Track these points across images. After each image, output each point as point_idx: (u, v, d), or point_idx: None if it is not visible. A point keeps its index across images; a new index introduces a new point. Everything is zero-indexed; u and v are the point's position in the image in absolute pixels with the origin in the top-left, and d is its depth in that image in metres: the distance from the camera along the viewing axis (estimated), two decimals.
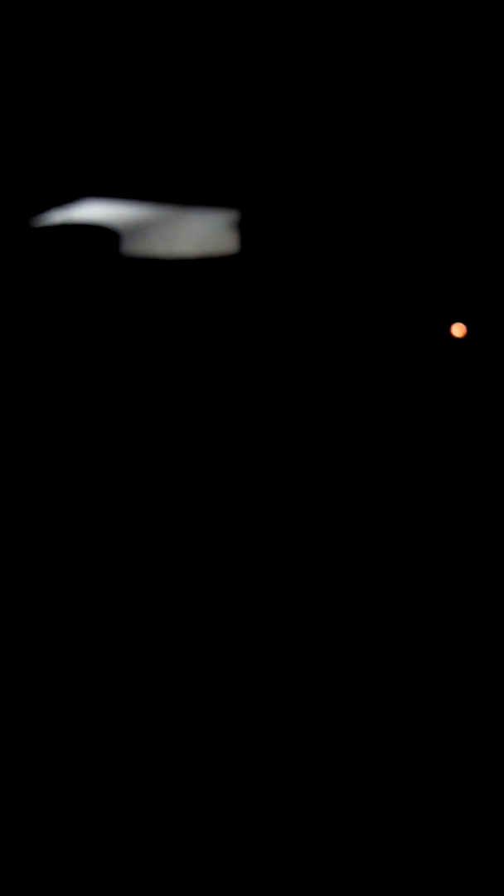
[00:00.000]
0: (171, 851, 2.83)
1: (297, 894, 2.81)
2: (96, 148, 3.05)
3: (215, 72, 3.06)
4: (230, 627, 2.98)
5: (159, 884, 2.79)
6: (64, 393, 3.02)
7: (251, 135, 3.10)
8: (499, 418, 3.14)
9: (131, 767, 2.89)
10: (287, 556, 3.04)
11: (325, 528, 3.06)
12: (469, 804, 2.91)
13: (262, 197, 3.11)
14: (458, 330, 3.06)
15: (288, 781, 2.91)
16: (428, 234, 3.21)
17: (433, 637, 3.03)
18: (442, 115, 3.19)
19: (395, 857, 2.85)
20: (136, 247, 3.08)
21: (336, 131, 3.13)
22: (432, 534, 3.10)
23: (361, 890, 2.82)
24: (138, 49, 3.06)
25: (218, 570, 3.01)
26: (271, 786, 2.90)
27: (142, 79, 3.05)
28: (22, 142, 3.03)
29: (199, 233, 3.06)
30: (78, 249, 3.04)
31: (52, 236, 3.03)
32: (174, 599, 2.98)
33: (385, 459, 3.12)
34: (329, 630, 3.01)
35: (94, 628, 2.94)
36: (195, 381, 3.06)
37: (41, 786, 2.84)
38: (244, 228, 3.08)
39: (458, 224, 3.22)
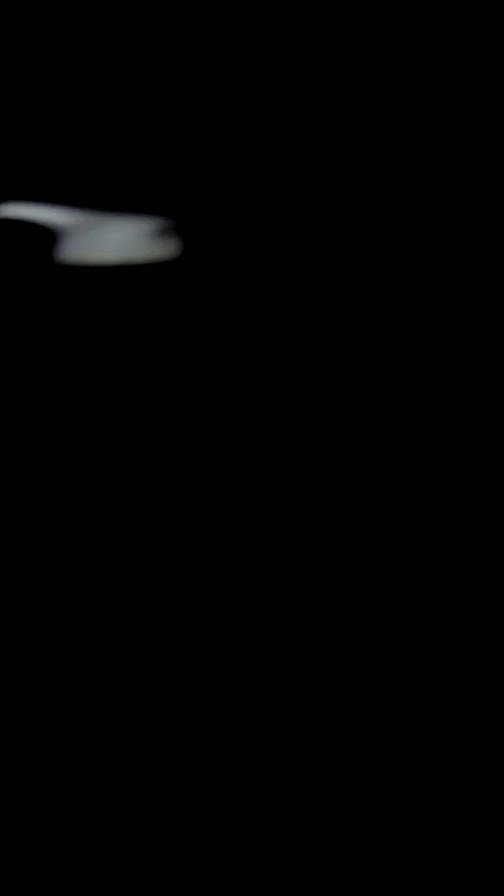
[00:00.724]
0: (170, 850, 2.86)
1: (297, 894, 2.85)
2: (15, 148, 3.01)
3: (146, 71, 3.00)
4: (230, 625, 3.00)
5: (159, 883, 2.83)
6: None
7: (181, 140, 3.05)
8: None
9: (131, 765, 2.92)
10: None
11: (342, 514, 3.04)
12: (469, 802, 2.93)
13: (194, 204, 3.08)
14: None
15: (287, 778, 2.94)
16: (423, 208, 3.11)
17: (433, 633, 3.04)
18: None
19: (395, 856, 2.88)
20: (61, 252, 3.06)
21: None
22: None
23: (361, 890, 2.86)
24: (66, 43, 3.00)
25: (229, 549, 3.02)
26: (271, 783, 2.93)
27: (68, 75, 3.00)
28: None
29: (124, 240, 3.04)
30: (16, 248, 3.01)
31: None
32: (174, 587, 3.00)
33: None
34: (329, 627, 3.03)
35: (94, 625, 2.97)
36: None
37: (41, 784, 2.88)
38: (177, 235, 3.04)
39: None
